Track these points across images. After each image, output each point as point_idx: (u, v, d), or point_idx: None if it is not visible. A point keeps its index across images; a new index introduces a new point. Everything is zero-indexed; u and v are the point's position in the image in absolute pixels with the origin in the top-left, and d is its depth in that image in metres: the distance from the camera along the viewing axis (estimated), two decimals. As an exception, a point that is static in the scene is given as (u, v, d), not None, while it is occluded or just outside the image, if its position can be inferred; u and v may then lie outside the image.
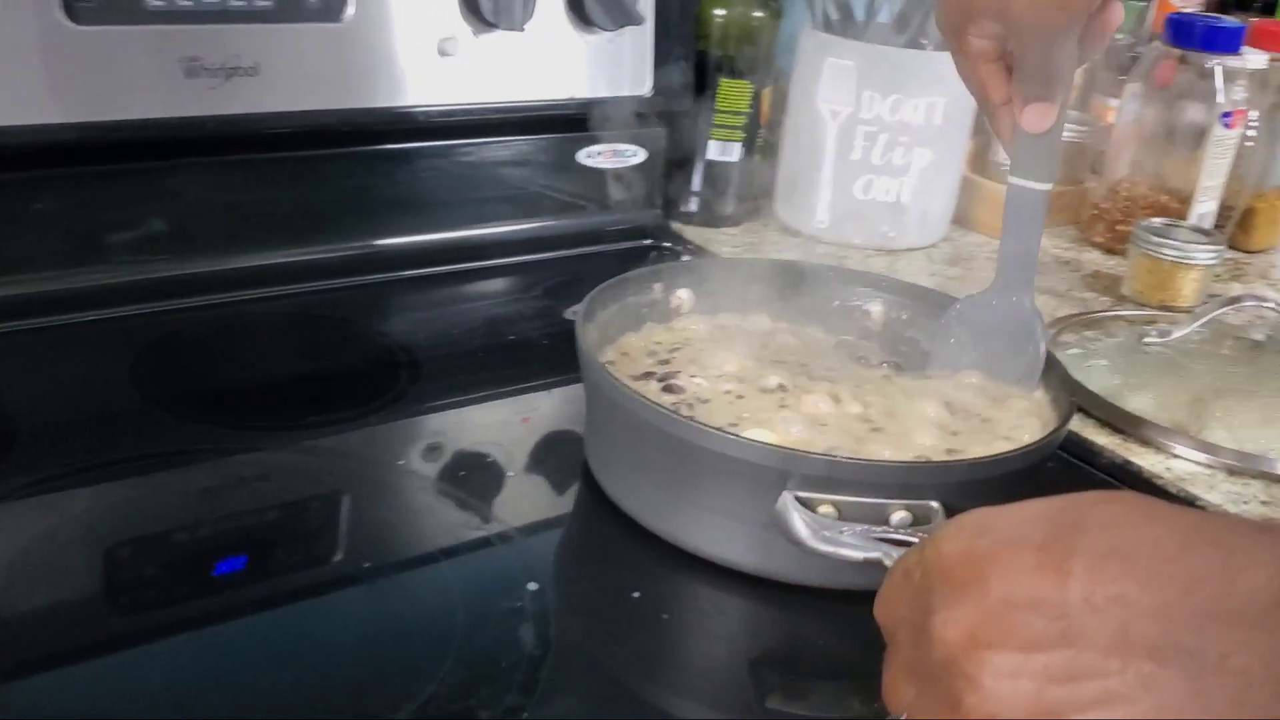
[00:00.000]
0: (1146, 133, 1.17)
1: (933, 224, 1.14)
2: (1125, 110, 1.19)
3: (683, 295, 0.77)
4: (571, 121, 1.01)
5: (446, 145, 0.97)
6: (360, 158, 0.93)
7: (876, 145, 1.07)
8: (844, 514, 0.55)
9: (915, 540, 0.52)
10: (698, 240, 1.10)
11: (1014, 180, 0.67)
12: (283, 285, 0.91)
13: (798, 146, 1.11)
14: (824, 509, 0.55)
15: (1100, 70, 1.33)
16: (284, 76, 0.85)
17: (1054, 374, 0.68)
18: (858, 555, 0.53)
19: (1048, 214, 0.67)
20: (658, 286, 0.77)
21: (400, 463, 0.70)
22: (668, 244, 1.09)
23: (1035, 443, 0.60)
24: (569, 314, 0.93)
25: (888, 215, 1.10)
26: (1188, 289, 1.05)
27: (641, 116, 1.06)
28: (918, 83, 1.05)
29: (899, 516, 0.55)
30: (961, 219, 1.20)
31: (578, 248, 1.06)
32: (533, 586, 0.58)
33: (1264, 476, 0.76)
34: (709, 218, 1.13)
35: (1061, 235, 1.24)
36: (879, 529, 0.55)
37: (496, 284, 1.01)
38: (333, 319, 0.90)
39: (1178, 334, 0.89)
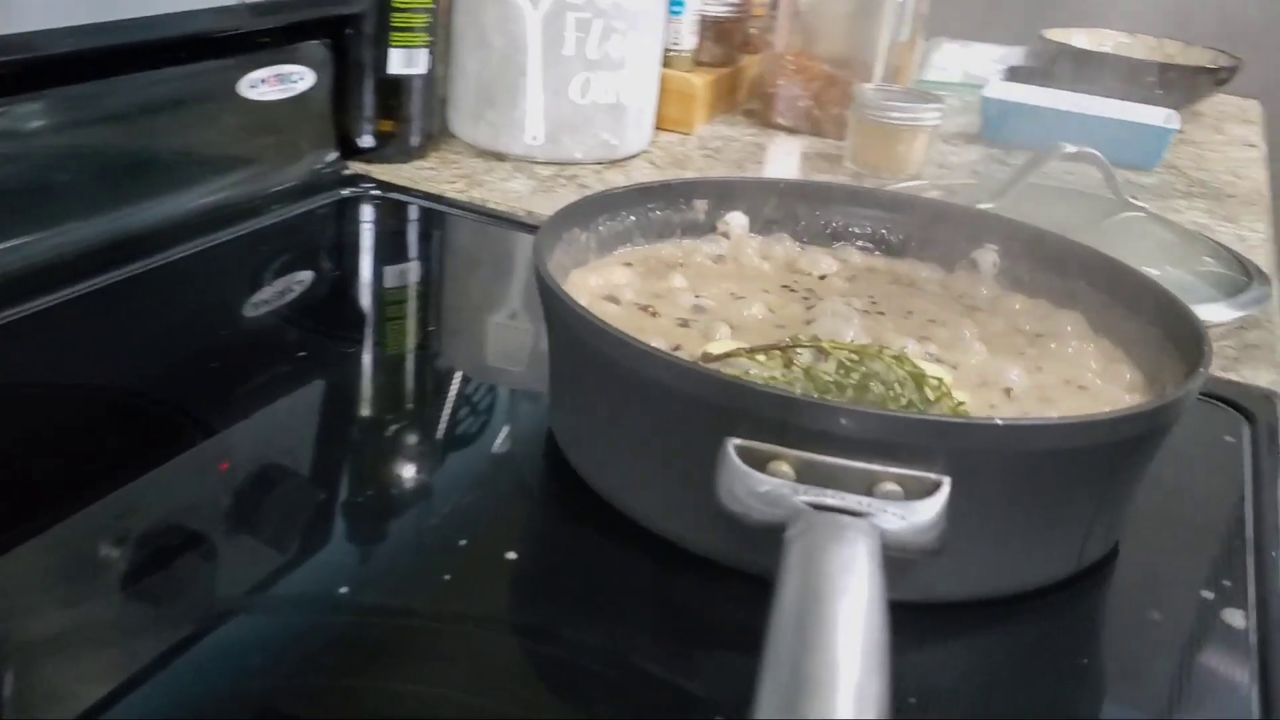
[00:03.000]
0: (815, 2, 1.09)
1: (646, 125, 0.98)
2: (787, -22, 1.10)
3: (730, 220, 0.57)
4: (233, 41, 0.72)
5: (53, 97, 0.64)
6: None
7: (590, 35, 0.88)
8: (803, 477, 0.39)
9: (873, 511, 0.37)
10: (396, 181, 0.85)
11: None
12: None
13: (488, 47, 0.89)
14: (777, 465, 0.39)
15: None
16: None
17: (1165, 310, 0.52)
18: (758, 515, 0.38)
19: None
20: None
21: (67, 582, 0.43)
22: (376, 193, 0.83)
23: (1124, 412, 0.44)
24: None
25: (608, 119, 0.92)
26: (917, 153, 0.99)
27: (310, 25, 0.78)
28: (630, -47, 0.88)
29: (886, 488, 0.39)
30: (647, 116, 1.05)
31: (242, 223, 0.76)
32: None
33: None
34: (396, 150, 0.88)
35: (729, 122, 1.14)
36: (830, 493, 0.38)
37: (141, 299, 0.69)
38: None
39: (1012, 193, 0.81)
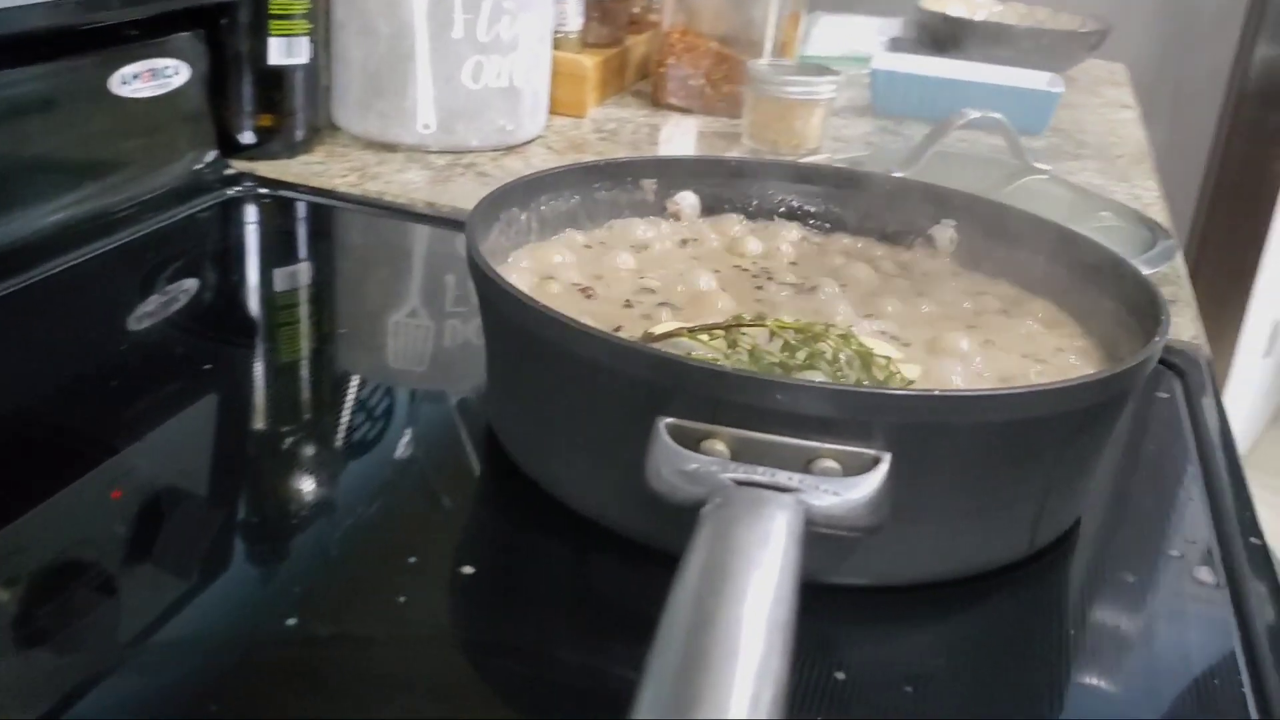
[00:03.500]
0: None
1: (541, 109, 0.94)
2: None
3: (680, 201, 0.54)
4: (100, 34, 0.66)
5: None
6: None
7: (480, 16, 0.85)
8: (738, 455, 0.37)
9: (803, 487, 0.35)
10: (282, 178, 0.81)
11: None
12: None
13: (372, 34, 0.85)
14: (711, 444, 0.37)
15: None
16: None
17: (1123, 279, 0.50)
18: (683, 494, 0.36)
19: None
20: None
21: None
22: (264, 192, 0.78)
23: (1066, 382, 0.41)
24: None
25: (503, 104, 0.89)
26: (814, 128, 0.98)
27: (181, 15, 0.73)
28: (516, -70, 0.84)
29: (824, 465, 0.37)
30: (538, 101, 1.02)
31: (120, 232, 0.71)
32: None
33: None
34: (280, 146, 0.83)
35: (620, 104, 1.12)
36: (760, 469, 0.36)
37: (14, 320, 0.63)
38: None
39: (922, 161, 0.81)
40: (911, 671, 0.39)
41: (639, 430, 0.38)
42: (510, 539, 0.45)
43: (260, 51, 0.79)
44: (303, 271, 0.75)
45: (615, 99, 1.12)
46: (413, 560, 0.42)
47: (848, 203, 0.60)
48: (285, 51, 0.80)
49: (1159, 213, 0.91)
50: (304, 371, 0.62)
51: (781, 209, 0.60)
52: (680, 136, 1.02)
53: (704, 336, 0.47)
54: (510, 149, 0.91)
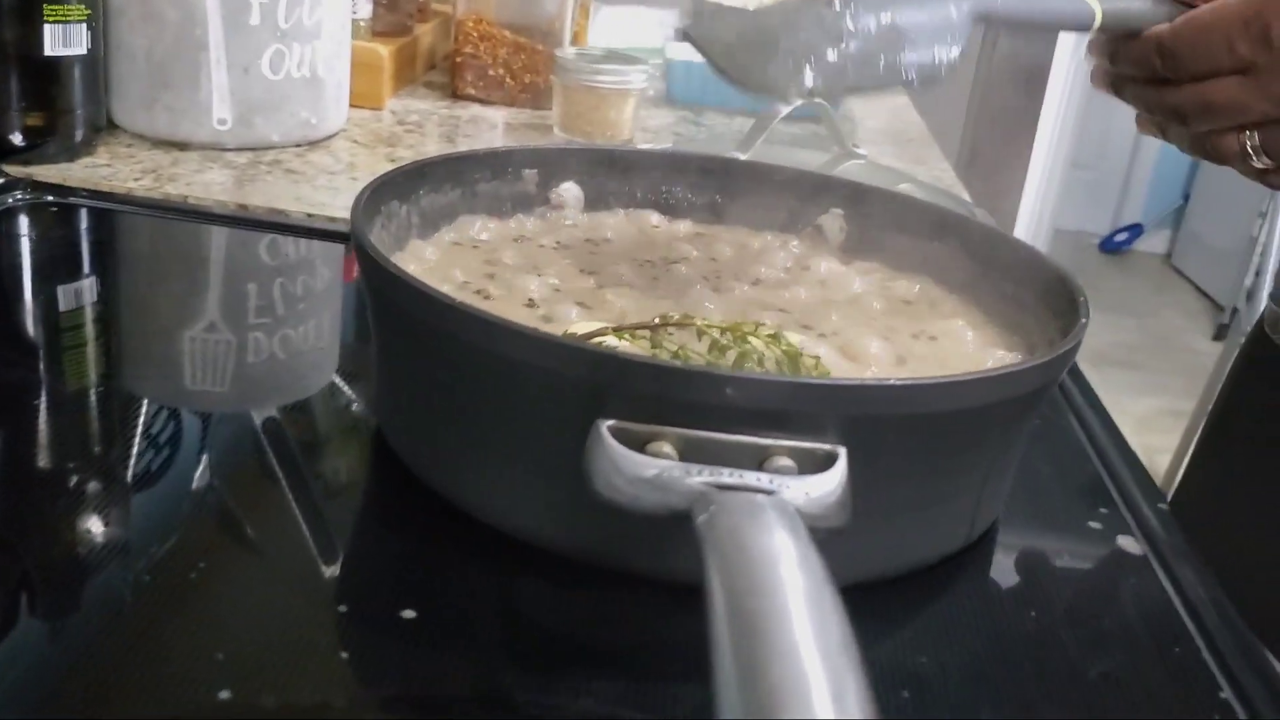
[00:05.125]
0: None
1: (344, 101, 0.88)
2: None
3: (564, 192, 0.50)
4: None
5: None
6: None
7: (279, 2, 0.78)
8: (686, 455, 0.35)
9: (776, 488, 0.33)
10: (66, 183, 0.71)
11: None
12: None
13: (157, 20, 0.76)
14: (657, 446, 0.35)
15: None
16: None
17: (1025, 264, 0.51)
18: (647, 503, 0.33)
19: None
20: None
21: None
22: (50, 199, 0.68)
23: (1021, 365, 0.41)
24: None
25: (305, 96, 0.82)
26: (626, 117, 0.96)
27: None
28: (315, -92, 0.78)
29: (778, 463, 0.35)
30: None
31: None
32: None
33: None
34: (57, 148, 0.73)
35: (413, 95, 1.06)
36: (726, 471, 0.34)
37: None
38: None
39: (753, 149, 0.80)
40: (903, 676, 0.37)
41: (574, 436, 0.35)
42: (442, 571, 0.40)
43: (32, 40, 0.69)
44: (90, 288, 0.67)
45: (408, 90, 1.07)
46: (343, 609, 0.37)
47: (735, 193, 0.58)
48: (61, 40, 0.70)
49: (961, 192, 0.94)
50: (93, 400, 0.54)
51: (670, 200, 0.57)
52: (489, 129, 0.98)
53: (627, 337, 0.44)
54: (314, 144, 0.84)
